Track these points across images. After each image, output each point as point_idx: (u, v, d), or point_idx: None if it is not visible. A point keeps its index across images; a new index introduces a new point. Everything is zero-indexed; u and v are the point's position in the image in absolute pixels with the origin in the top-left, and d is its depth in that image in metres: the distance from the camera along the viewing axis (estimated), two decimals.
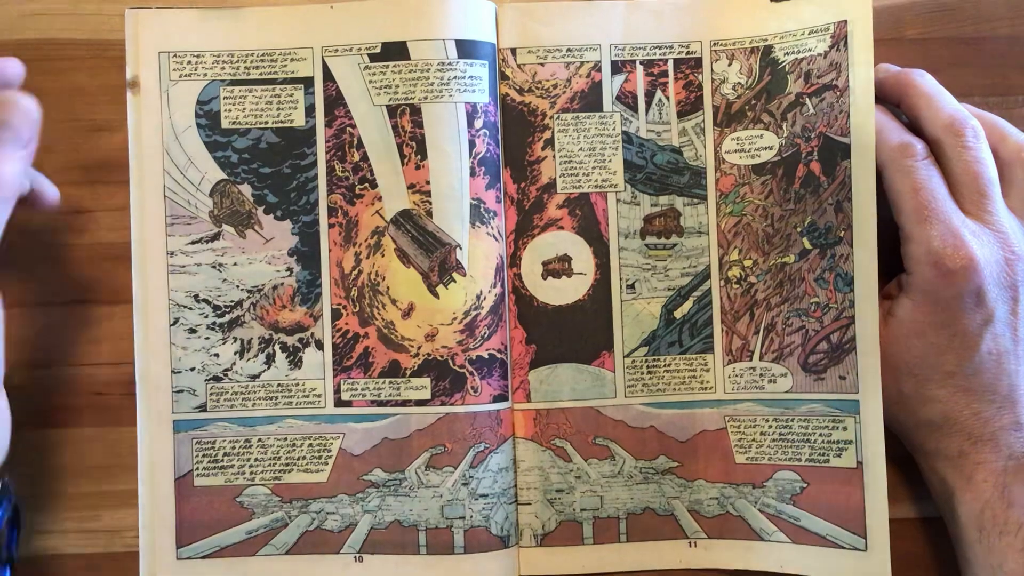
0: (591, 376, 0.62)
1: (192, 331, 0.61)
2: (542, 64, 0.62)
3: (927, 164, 0.57)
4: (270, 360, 0.61)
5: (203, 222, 0.61)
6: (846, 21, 0.59)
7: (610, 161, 0.62)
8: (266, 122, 0.61)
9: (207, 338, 0.61)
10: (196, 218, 0.61)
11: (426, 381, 0.61)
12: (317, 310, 0.61)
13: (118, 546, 0.62)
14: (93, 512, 0.62)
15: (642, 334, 0.62)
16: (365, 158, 0.61)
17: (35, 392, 0.58)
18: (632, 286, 0.62)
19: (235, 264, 0.61)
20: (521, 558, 0.62)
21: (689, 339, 0.62)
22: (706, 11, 0.62)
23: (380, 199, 0.61)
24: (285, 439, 0.61)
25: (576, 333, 0.62)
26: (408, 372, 0.61)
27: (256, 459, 0.61)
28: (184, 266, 0.61)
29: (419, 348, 0.61)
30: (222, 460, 0.61)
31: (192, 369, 0.61)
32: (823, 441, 0.60)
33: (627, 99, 0.62)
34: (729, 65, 0.62)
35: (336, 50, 0.61)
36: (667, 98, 0.62)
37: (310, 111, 0.61)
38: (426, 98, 0.60)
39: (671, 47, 0.62)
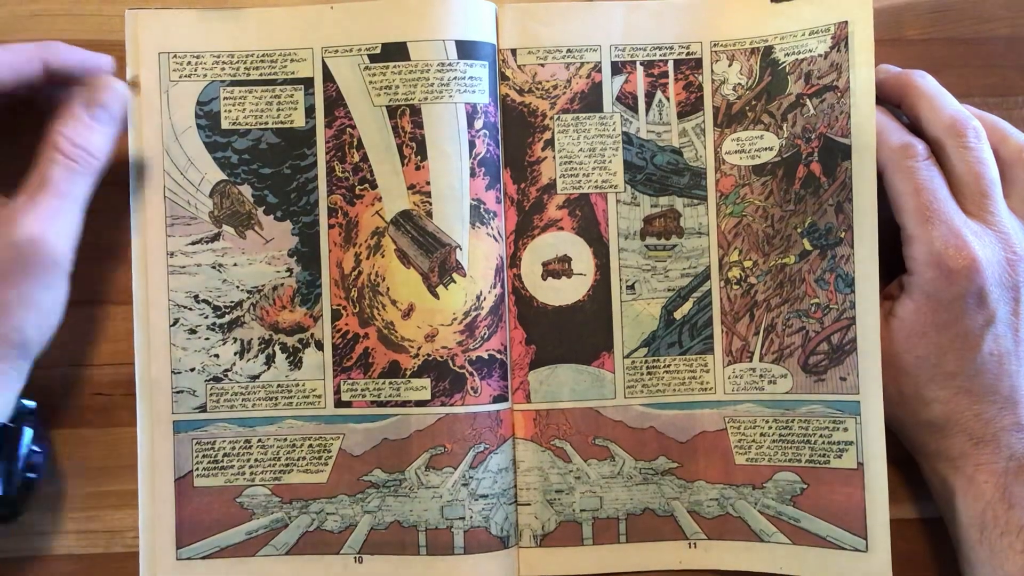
0: (591, 377, 0.62)
1: (192, 332, 0.61)
2: (542, 65, 0.62)
3: (928, 165, 0.57)
4: (270, 361, 0.61)
5: (203, 223, 0.61)
6: (847, 22, 0.59)
7: (610, 162, 0.62)
8: (266, 123, 0.61)
9: (207, 339, 0.61)
10: (196, 219, 0.61)
11: (426, 382, 0.61)
12: (317, 311, 0.61)
13: (118, 547, 0.62)
14: (93, 513, 0.62)
15: (642, 335, 0.62)
16: (365, 159, 0.61)
17: (35, 392, 0.57)
18: (632, 287, 0.62)
19: (235, 265, 0.61)
20: (521, 559, 0.62)
21: (689, 340, 0.62)
22: (706, 12, 0.62)
23: (380, 200, 0.61)
24: (285, 440, 0.61)
25: (576, 334, 0.62)
26: (408, 373, 0.61)
27: (256, 460, 0.61)
28: (184, 267, 0.61)
29: (419, 349, 0.61)
30: (222, 461, 0.61)
31: (192, 370, 0.61)
32: (823, 442, 0.60)
33: (627, 100, 0.62)
34: (729, 66, 0.61)
35: (336, 51, 0.61)
36: (667, 99, 0.62)
37: (310, 112, 0.61)
38: (426, 99, 0.60)
39: (671, 48, 0.62)
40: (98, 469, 0.62)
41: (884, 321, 0.58)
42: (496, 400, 0.61)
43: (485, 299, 0.61)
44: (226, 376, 0.61)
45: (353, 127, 0.61)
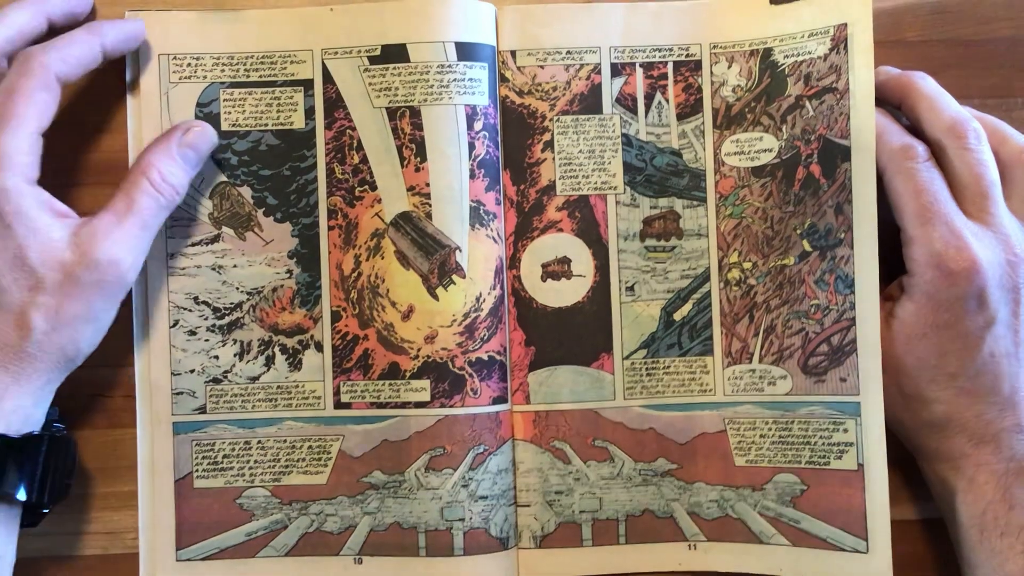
0: (590, 378, 0.62)
1: (192, 333, 0.61)
2: (542, 66, 0.62)
3: (929, 166, 0.57)
4: (270, 362, 0.61)
5: (203, 224, 0.61)
6: (846, 24, 0.59)
7: (609, 163, 0.62)
8: (266, 124, 0.61)
9: (207, 340, 0.61)
10: (196, 220, 0.61)
11: (426, 383, 0.61)
12: (317, 312, 0.61)
13: (118, 547, 0.62)
14: (93, 514, 0.62)
15: (641, 336, 0.63)
16: (365, 160, 0.61)
17: None
18: (631, 288, 0.62)
19: (235, 266, 0.61)
20: (520, 560, 0.62)
21: (689, 341, 0.62)
22: (706, 14, 0.62)
23: (380, 201, 0.61)
24: (285, 441, 0.61)
25: (575, 335, 0.62)
26: (408, 374, 0.61)
27: (256, 461, 0.61)
28: (184, 268, 0.61)
29: (419, 350, 0.61)
30: (222, 462, 0.61)
31: (192, 371, 0.61)
32: (823, 443, 0.60)
33: (627, 101, 0.62)
34: (729, 67, 0.61)
35: (336, 52, 0.61)
36: (667, 100, 0.62)
37: (310, 113, 0.61)
38: (426, 100, 0.60)
39: (670, 50, 0.62)
40: (98, 470, 0.62)
41: (884, 322, 0.58)
42: (496, 401, 0.61)
43: (485, 301, 0.61)
44: (226, 377, 0.61)
45: (353, 129, 0.61)
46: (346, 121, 0.61)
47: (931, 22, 0.64)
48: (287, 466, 0.61)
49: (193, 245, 0.61)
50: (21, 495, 0.53)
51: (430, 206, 0.60)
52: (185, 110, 0.61)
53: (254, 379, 0.61)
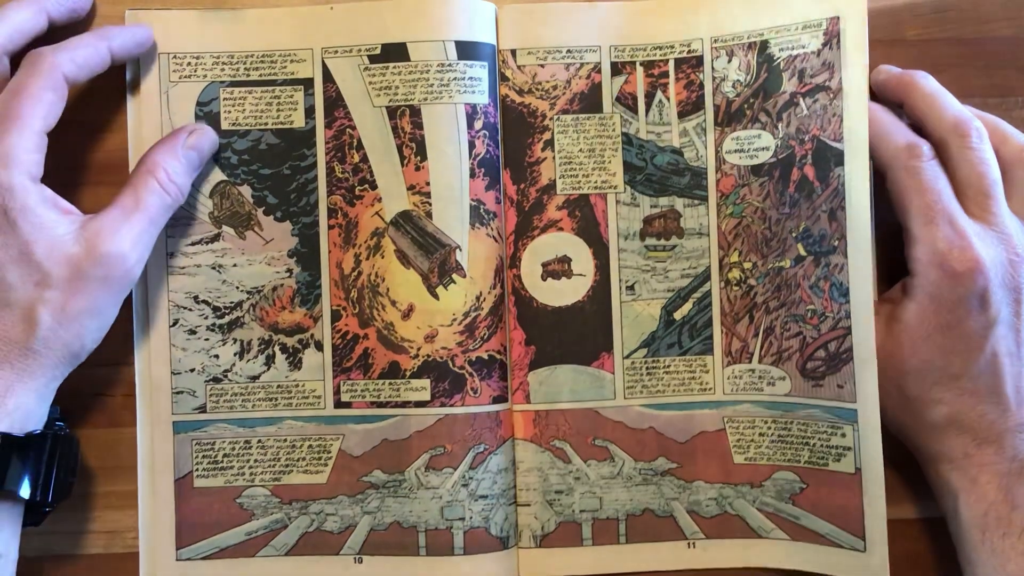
0: (590, 377, 0.62)
1: (192, 332, 0.61)
2: (542, 65, 0.62)
3: (933, 165, 0.57)
4: (270, 361, 0.61)
5: (203, 223, 0.61)
6: (838, 17, 0.59)
7: (610, 162, 0.62)
8: (266, 123, 0.61)
9: (207, 339, 0.61)
10: (196, 219, 0.61)
11: (426, 382, 0.61)
12: (317, 311, 0.61)
13: (118, 547, 0.62)
14: (93, 513, 0.62)
15: (641, 335, 0.63)
16: (365, 159, 0.61)
17: None
18: (632, 287, 0.62)
19: (235, 265, 0.61)
20: (520, 559, 0.62)
21: (689, 340, 0.62)
22: (706, 6, 0.62)
23: (380, 200, 0.61)
24: (285, 440, 0.61)
25: (575, 334, 0.62)
26: (408, 373, 0.61)
27: (256, 460, 0.61)
28: (184, 267, 0.61)
29: (419, 349, 0.61)
30: (222, 461, 0.61)
31: (192, 370, 0.61)
32: (822, 445, 0.60)
33: (627, 100, 0.62)
34: (729, 62, 0.61)
35: (336, 51, 0.61)
36: (667, 99, 0.62)
37: (310, 112, 0.61)
38: (426, 99, 0.60)
39: (672, 47, 0.62)
40: (98, 470, 0.62)
41: (887, 326, 0.58)
42: (496, 401, 0.61)
43: (485, 300, 0.61)
44: (226, 377, 0.61)
45: (353, 128, 0.61)
46: (346, 120, 0.61)
47: (931, 21, 0.64)
48: (287, 465, 0.61)
49: (193, 244, 0.61)
50: (24, 493, 0.53)
51: (430, 205, 0.60)
52: (185, 109, 0.61)
53: (254, 378, 0.61)
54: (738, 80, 0.61)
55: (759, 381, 0.61)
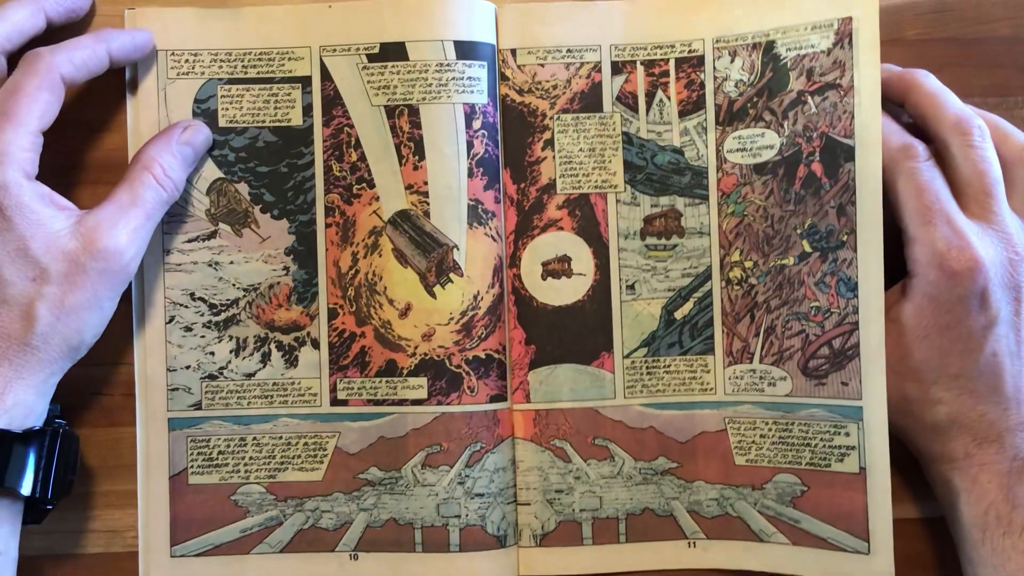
0: (590, 377, 0.62)
1: (188, 329, 0.61)
2: (542, 65, 0.62)
3: (930, 166, 0.57)
4: (265, 359, 0.61)
5: (200, 220, 0.61)
6: (851, 18, 0.59)
7: (610, 162, 0.62)
8: (263, 121, 0.61)
9: (203, 336, 0.61)
10: (193, 216, 0.61)
11: (422, 380, 0.60)
12: (313, 309, 0.61)
13: (118, 546, 0.62)
14: (94, 512, 0.62)
15: (642, 335, 0.62)
16: (363, 158, 0.61)
17: None
18: (632, 287, 0.62)
19: (231, 263, 0.61)
20: (520, 558, 0.61)
21: (689, 340, 0.62)
22: (709, 7, 0.62)
23: (378, 199, 0.61)
24: (280, 438, 0.61)
25: (576, 334, 0.62)
26: (405, 371, 0.61)
27: (251, 457, 0.61)
28: (180, 264, 0.61)
29: (416, 348, 0.61)
30: (217, 458, 0.61)
31: (187, 367, 0.61)
32: (824, 446, 0.60)
33: (627, 99, 0.62)
34: (731, 62, 0.61)
35: (334, 50, 0.61)
36: (668, 98, 0.62)
37: (307, 110, 0.61)
38: (424, 99, 0.60)
39: (672, 46, 0.62)
40: (97, 469, 0.62)
41: (886, 325, 0.58)
42: (493, 400, 0.61)
43: (482, 299, 0.61)
44: (221, 374, 0.61)
45: (351, 126, 0.61)
46: (344, 119, 0.61)
47: (931, 21, 0.64)
48: (282, 463, 0.61)
49: (190, 241, 0.61)
50: (24, 490, 0.53)
51: (428, 204, 0.60)
52: (183, 106, 0.61)
53: (250, 376, 0.61)
54: (741, 80, 0.61)
55: (760, 381, 0.61)
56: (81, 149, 0.62)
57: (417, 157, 0.60)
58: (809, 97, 0.60)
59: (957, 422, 0.57)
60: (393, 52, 0.60)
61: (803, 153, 0.60)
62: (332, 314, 0.61)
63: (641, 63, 0.62)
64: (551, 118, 0.62)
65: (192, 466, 0.61)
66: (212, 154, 0.61)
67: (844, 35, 0.59)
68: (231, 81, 0.61)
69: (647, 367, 0.62)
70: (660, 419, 0.62)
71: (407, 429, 0.60)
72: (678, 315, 0.62)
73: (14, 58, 0.56)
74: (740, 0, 0.61)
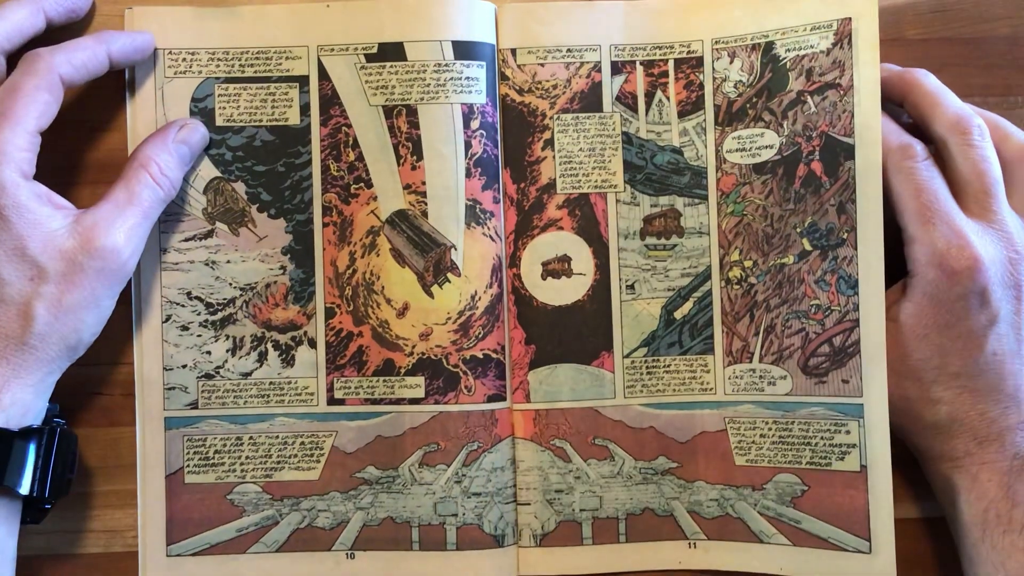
0: (590, 376, 0.62)
1: (184, 328, 0.61)
2: (542, 64, 0.62)
3: (928, 165, 0.57)
4: (262, 358, 0.61)
5: (197, 219, 0.61)
6: (850, 19, 0.59)
7: (610, 161, 0.62)
8: (260, 120, 0.61)
9: (199, 335, 0.61)
10: (190, 215, 0.61)
11: (420, 380, 0.60)
12: (310, 308, 0.61)
13: (118, 546, 0.62)
14: (93, 512, 0.62)
15: (642, 335, 0.62)
16: (360, 158, 0.61)
17: None
18: (632, 287, 0.62)
19: (228, 262, 0.61)
20: (520, 558, 0.61)
21: (689, 340, 0.62)
22: (708, 9, 0.62)
23: (375, 199, 0.61)
24: (277, 437, 0.61)
25: (576, 333, 0.62)
26: (402, 371, 0.61)
27: (247, 457, 0.61)
28: (177, 263, 0.61)
29: (413, 347, 0.61)
30: (213, 457, 0.61)
31: (184, 366, 0.61)
32: (824, 444, 0.59)
33: (627, 99, 0.62)
34: (731, 63, 0.61)
35: (332, 49, 0.61)
36: (667, 98, 0.62)
37: (305, 110, 0.61)
38: (422, 99, 0.60)
39: (671, 47, 0.62)
40: (98, 469, 0.62)
41: (886, 325, 0.58)
42: (491, 399, 0.61)
43: (480, 299, 0.61)
44: (218, 373, 0.61)
45: (349, 126, 0.61)
46: (342, 118, 0.61)
47: (931, 20, 0.64)
48: (279, 462, 0.61)
49: (187, 240, 0.61)
50: (22, 489, 0.53)
51: (426, 204, 0.60)
52: (180, 105, 0.61)
53: (246, 375, 0.61)
54: (740, 80, 0.61)
55: (760, 381, 0.61)
56: (81, 149, 0.62)
57: (415, 157, 0.60)
58: (808, 97, 0.59)
59: (957, 421, 0.57)
60: (391, 52, 0.60)
61: (803, 152, 0.60)
62: (329, 313, 0.61)
63: (641, 63, 0.62)
64: (551, 118, 0.62)
65: (188, 465, 0.60)
66: (209, 153, 0.61)
67: (843, 35, 0.59)
68: (228, 80, 0.61)
69: (647, 367, 0.62)
70: (660, 419, 0.62)
71: (404, 428, 0.60)
72: (678, 315, 0.62)
73: (14, 58, 0.56)
74: (739, 1, 0.61)
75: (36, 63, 0.54)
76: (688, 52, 0.62)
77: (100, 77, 0.57)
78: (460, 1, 0.60)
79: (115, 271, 0.54)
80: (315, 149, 0.61)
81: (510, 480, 0.61)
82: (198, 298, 0.61)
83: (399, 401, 0.60)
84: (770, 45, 0.60)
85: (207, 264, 0.61)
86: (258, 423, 0.61)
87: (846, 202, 0.58)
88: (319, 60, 0.61)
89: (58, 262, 0.52)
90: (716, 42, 0.62)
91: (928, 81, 0.59)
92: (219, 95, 0.61)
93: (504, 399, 0.61)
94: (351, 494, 0.61)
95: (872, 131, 0.58)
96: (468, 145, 0.60)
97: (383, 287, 0.61)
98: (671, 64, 0.62)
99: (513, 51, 0.62)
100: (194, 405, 0.61)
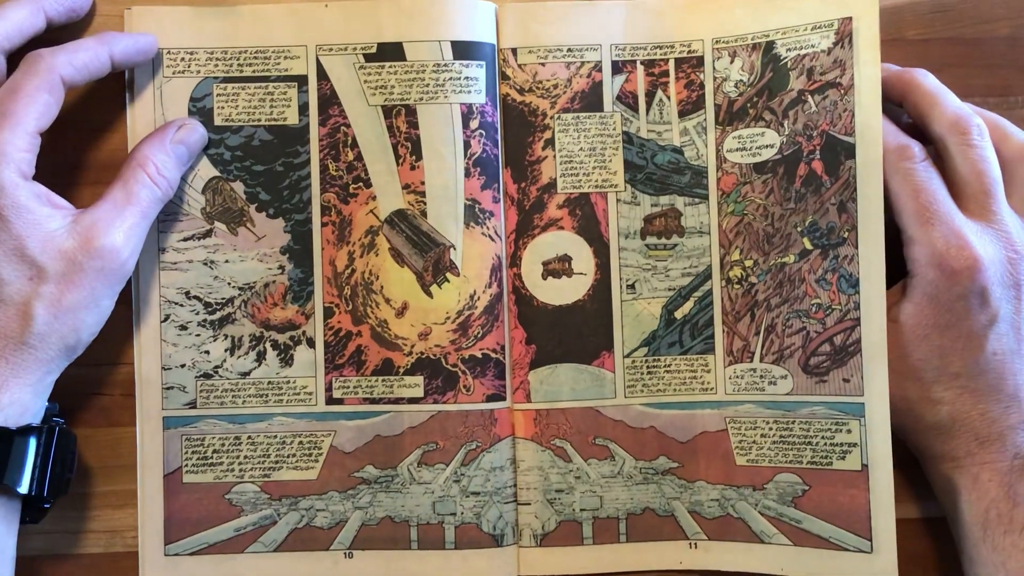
0: (591, 376, 0.62)
1: (183, 328, 0.61)
2: (543, 64, 0.62)
3: (926, 166, 0.57)
4: (261, 358, 0.61)
5: (195, 219, 0.61)
6: (851, 18, 0.59)
7: (610, 161, 0.62)
8: (259, 119, 0.61)
9: (198, 335, 0.61)
10: (188, 215, 0.61)
11: (419, 379, 0.60)
12: (309, 308, 0.61)
13: (118, 546, 0.62)
14: (93, 512, 0.62)
15: (642, 334, 0.62)
16: (359, 158, 0.61)
17: None
18: (632, 286, 0.62)
19: (227, 261, 0.61)
20: (520, 558, 0.61)
21: (690, 339, 0.62)
22: (708, 8, 0.62)
23: (374, 198, 0.61)
24: (275, 437, 0.61)
25: (576, 333, 0.62)
26: (401, 370, 0.61)
27: (245, 456, 0.61)
28: (176, 263, 0.61)
29: (412, 347, 0.61)
30: (211, 457, 0.61)
31: (182, 366, 0.61)
32: (825, 444, 0.59)
33: (627, 99, 0.62)
34: (731, 62, 0.61)
35: (331, 49, 0.61)
36: (668, 98, 0.62)
37: (303, 109, 0.61)
38: (421, 99, 0.60)
39: (672, 47, 0.62)
40: (98, 469, 0.62)
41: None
42: (491, 399, 0.61)
43: (479, 298, 0.61)
44: (216, 373, 0.61)
45: (348, 126, 0.61)
46: (341, 118, 0.61)
47: (931, 20, 0.64)
48: (277, 462, 0.61)
49: (185, 240, 0.61)
50: (21, 488, 0.53)
51: (425, 204, 0.60)
52: (179, 105, 0.61)
53: (245, 375, 0.61)
54: (741, 80, 0.61)
55: (760, 381, 0.61)
56: (82, 149, 0.62)
57: (414, 157, 0.60)
58: (809, 96, 0.59)
59: (958, 421, 0.57)
60: (390, 52, 0.61)
61: (803, 151, 0.60)
62: (328, 313, 0.61)
63: (641, 63, 0.62)
64: (551, 117, 0.62)
65: (186, 465, 0.60)
66: (208, 152, 0.61)
67: (844, 35, 0.59)
68: (227, 80, 0.61)
69: (647, 367, 0.62)
70: (661, 419, 0.62)
71: (403, 427, 0.60)
72: (678, 314, 0.62)
73: (14, 58, 0.56)
74: (740, 0, 0.61)
75: (37, 64, 0.54)
76: (689, 52, 0.62)
77: (102, 78, 0.57)
78: (460, 1, 0.60)
79: (114, 271, 0.54)
80: (314, 149, 0.61)
81: (509, 480, 0.61)
82: (196, 297, 0.61)
83: (398, 401, 0.60)
84: (771, 44, 0.60)
85: (206, 264, 0.61)
86: (256, 423, 0.61)
87: (847, 201, 0.58)
88: (318, 60, 0.61)
89: (57, 262, 0.52)
90: (717, 42, 0.62)
91: (927, 81, 0.59)
92: (218, 95, 0.61)
93: (503, 399, 0.61)
94: (349, 493, 0.61)
95: (873, 130, 0.58)
96: (467, 145, 0.60)
97: (382, 287, 0.61)
98: (672, 64, 0.62)
99: (514, 51, 0.62)
100: (192, 405, 0.61)
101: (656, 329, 0.62)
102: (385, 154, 0.61)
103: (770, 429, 0.60)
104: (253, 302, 0.61)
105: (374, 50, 0.61)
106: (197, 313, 0.61)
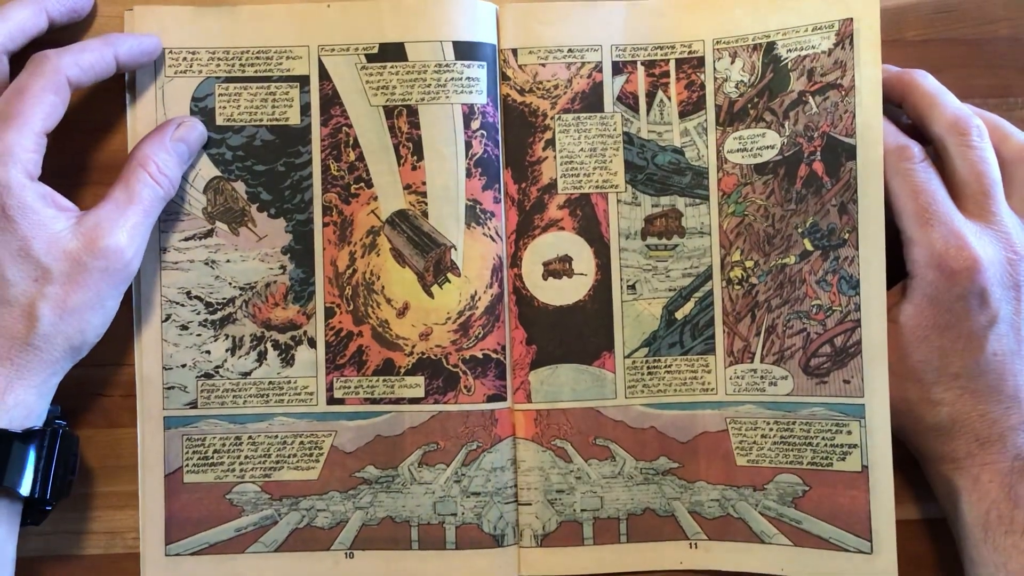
0: (592, 377, 0.62)
1: (184, 328, 0.61)
2: (543, 65, 0.62)
3: (925, 167, 0.57)
4: (262, 358, 0.61)
5: (196, 219, 0.61)
6: (852, 19, 0.59)
7: (611, 162, 0.62)
8: (260, 119, 0.61)
9: (199, 335, 0.61)
10: (189, 215, 0.61)
11: (420, 379, 0.60)
12: (310, 308, 0.61)
13: (119, 547, 0.62)
14: (94, 513, 0.62)
15: (643, 335, 0.62)
16: (361, 158, 0.61)
17: None
18: (633, 287, 0.62)
19: (228, 261, 0.61)
20: (521, 558, 0.61)
21: (690, 340, 0.62)
22: (709, 9, 0.62)
23: (376, 199, 0.61)
24: (276, 437, 0.61)
25: (577, 333, 0.62)
26: (402, 370, 0.61)
27: (246, 456, 0.61)
28: (177, 262, 0.61)
29: (413, 347, 0.61)
30: (212, 457, 0.61)
31: (183, 366, 0.61)
32: (826, 445, 0.59)
33: (628, 100, 0.62)
34: (732, 63, 0.61)
35: (333, 49, 0.61)
36: (668, 98, 0.62)
37: (305, 110, 0.61)
38: (423, 99, 0.60)
39: (672, 47, 0.62)
40: (99, 470, 0.62)
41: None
42: (491, 399, 0.61)
43: (480, 299, 0.61)
44: (217, 373, 0.61)
45: (349, 126, 0.61)
46: (342, 118, 0.61)
47: (932, 21, 0.64)
48: (278, 462, 0.61)
49: (186, 239, 0.61)
50: (23, 490, 0.53)
51: (426, 204, 0.60)
52: (180, 104, 0.61)
53: (246, 375, 0.61)
54: (741, 81, 0.61)
55: (761, 381, 0.61)
56: (85, 150, 0.62)
57: (415, 157, 0.60)
58: (810, 97, 0.59)
59: (959, 422, 0.57)
60: (392, 52, 0.61)
61: (804, 152, 0.60)
62: (329, 313, 0.61)
63: (642, 63, 0.62)
64: (552, 118, 0.62)
65: (187, 465, 0.60)
66: (209, 152, 0.61)
67: (845, 36, 0.59)
68: (229, 79, 0.61)
69: (648, 367, 0.62)
70: (661, 419, 0.62)
71: (404, 427, 0.60)
72: (679, 315, 0.62)
73: (16, 58, 0.56)
74: (740, 1, 0.61)
75: (43, 64, 0.54)
76: (689, 52, 0.62)
77: (105, 79, 0.57)
78: (461, 1, 0.60)
79: (119, 271, 0.54)
80: (315, 149, 0.61)
81: (510, 480, 0.61)
82: (198, 297, 0.61)
83: (399, 401, 0.60)
84: (771, 45, 0.60)
85: (207, 263, 0.61)
86: (257, 423, 0.61)
87: (847, 202, 0.58)
88: (320, 60, 0.61)
89: (62, 263, 0.52)
90: (717, 42, 0.62)
91: (927, 82, 0.59)
92: (219, 95, 0.61)
93: (504, 399, 0.61)
94: (350, 493, 0.61)
95: (873, 131, 0.58)
96: (468, 145, 0.60)
97: (383, 287, 0.61)
98: (672, 64, 0.62)
99: (514, 51, 0.62)
100: (193, 404, 0.61)
101: (657, 329, 0.62)
102: (387, 154, 0.61)
103: (770, 430, 0.61)
104: (254, 302, 0.61)
105: (376, 50, 0.61)
106: (198, 313, 0.61)
